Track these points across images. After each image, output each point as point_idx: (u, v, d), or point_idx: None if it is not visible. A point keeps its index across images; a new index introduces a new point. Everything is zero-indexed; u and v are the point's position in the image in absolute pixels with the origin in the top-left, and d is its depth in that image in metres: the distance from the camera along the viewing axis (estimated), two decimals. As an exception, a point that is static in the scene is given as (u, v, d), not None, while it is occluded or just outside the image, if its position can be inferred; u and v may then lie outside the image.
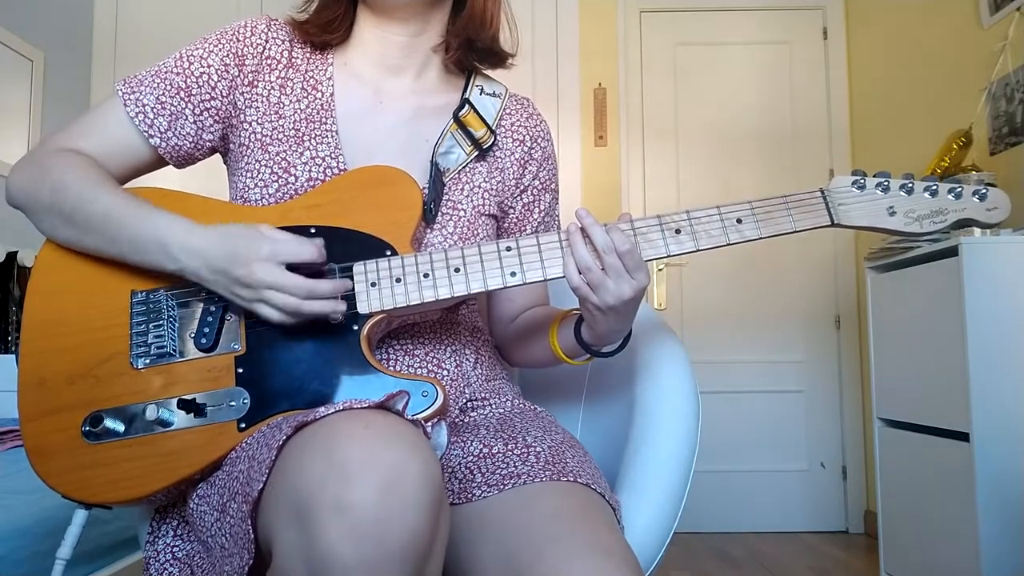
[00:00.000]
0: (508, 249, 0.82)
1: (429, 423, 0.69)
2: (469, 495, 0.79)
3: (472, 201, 0.93)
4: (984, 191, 0.83)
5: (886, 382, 2.23)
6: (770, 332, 3.19)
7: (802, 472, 3.14)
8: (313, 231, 0.83)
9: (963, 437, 1.81)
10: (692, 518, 2.98)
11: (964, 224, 0.85)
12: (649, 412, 0.97)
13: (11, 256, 2.53)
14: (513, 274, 0.81)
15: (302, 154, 0.88)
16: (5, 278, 2.50)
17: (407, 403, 0.69)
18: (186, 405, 0.77)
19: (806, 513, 3.12)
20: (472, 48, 0.97)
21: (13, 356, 0.88)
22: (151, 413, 0.76)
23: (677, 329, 2.86)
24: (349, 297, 0.80)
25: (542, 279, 0.82)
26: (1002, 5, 2.24)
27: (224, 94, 0.90)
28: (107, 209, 0.81)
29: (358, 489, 0.55)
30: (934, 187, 0.84)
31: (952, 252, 1.85)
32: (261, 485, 0.62)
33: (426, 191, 0.89)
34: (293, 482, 0.59)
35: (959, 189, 0.84)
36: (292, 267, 0.77)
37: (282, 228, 0.83)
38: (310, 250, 0.77)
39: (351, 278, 0.81)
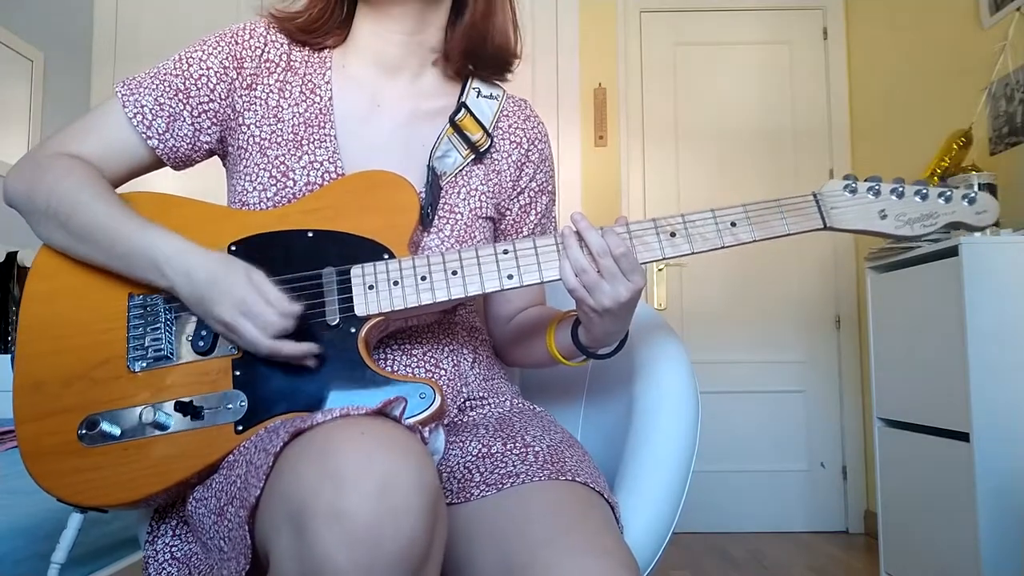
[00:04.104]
0: (505, 252, 0.82)
1: (426, 428, 0.69)
2: (467, 495, 0.79)
3: (469, 204, 0.93)
4: (973, 195, 0.85)
5: (886, 382, 2.23)
6: (770, 332, 3.19)
7: (802, 472, 3.14)
8: (311, 234, 0.83)
9: (963, 437, 1.81)
10: (692, 518, 2.98)
11: (954, 227, 0.86)
12: (648, 412, 0.97)
13: (11, 256, 2.53)
14: (510, 277, 0.82)
15: (300, 158, 0.88)
16: (5, 278, 2.50)
17: (404, 408, 0.69)
18: (183, 408, 0.77)
19: (806, 513, 3.12)
20: (478, 58, 0.97)
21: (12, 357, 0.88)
22: (148, 416, 0.76)
23: (677, 329, 2.86)
24: (346, 300, 0.81)
25: (539, 282, 0.82)
26: (1002, 5, 2.24)
27: (223, 96, 0.90)
28: (101, 221, 0.81)
29: (353, 496, 0.55)
30: (924, 191, 0.85)
31: (952, 252, 1.85)
32: (258, 491, 0.62)
33: (423, 195, 0.89)
34: (288, 489, 0.59)
35: (948, 193, 0.85)
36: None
37: (280, 232, 0.83)
38: (281, 322, 0.76)
39: (347, 282, 0.81)
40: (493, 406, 0.93)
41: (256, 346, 0.76)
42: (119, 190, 0.88)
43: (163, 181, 1.45)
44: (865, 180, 0.85)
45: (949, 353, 1.86)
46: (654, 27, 3.30)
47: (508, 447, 0.83)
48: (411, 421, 0.72)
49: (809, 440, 3.15)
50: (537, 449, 0.83)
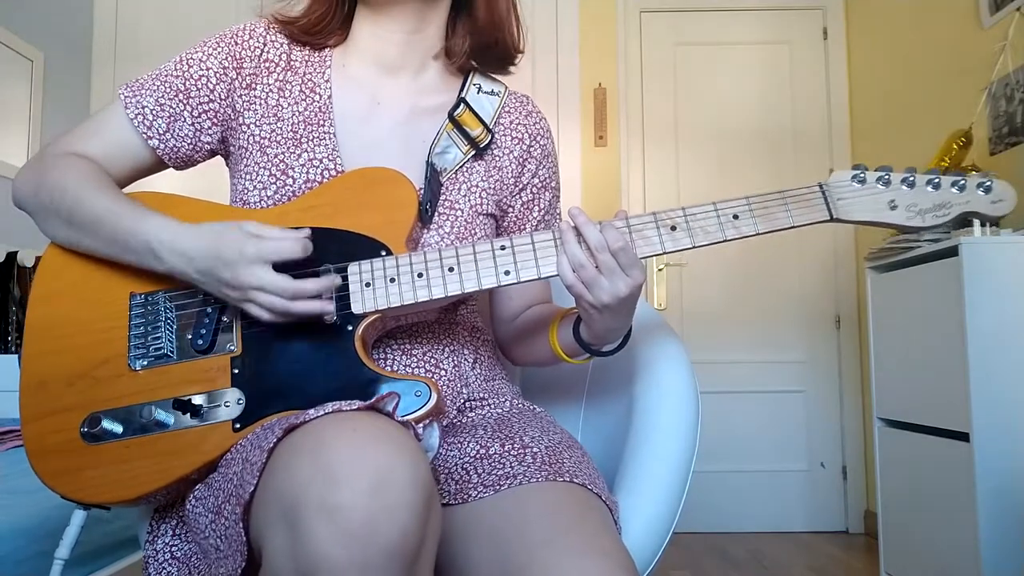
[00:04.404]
0: (502, 248, 0.82)
1: (420, 424, 0.69)
2: (465, 496, 0.79)
3: (469, 201, 0.93)
4: (989, 183, 0.82)
5: (886, 382, 2.23)
6: (770, 332, 3.18)
7: (802, 472, 3.14)
8: (309, 232, 0.83)
9: (963, 437, 1.81)
10: (692, 518, 2.98)
11: (968, 217, 0.83)
12: (648, 412, 0.97)
13: (11, 256, 2.53)
14: (507, 273, 0.81)
15: (300, 156, 0.88)
16: (5, 278, 2.50)
17: (397, 404, 0.69)
18: (183, 406, 0.77)
19: (806, 513, 3.12)
20: (484, 54, 0.97)
21: (14, 356, 0.89)
22: (148, 414, 0.76)
23: (677, 329, 2.86)
24: (343, 297, 0.81)
25: (536, 277, 0.82)
26: (1002, 5, 2.24)
27: (223, 97, 0.91)
28: (102, 211, 0.82)
29: (345, 491, 0.55)
30: (937, 180, 0.82)
31: (952, 252, 1.85)
32: (252, 488, 0.63)
33: (422, 191, 0.89)
34: (281, 485, 0.59)
35: (963, 182, 0.82)
36: (282, 266, 0.76)
37: None
38: (293, 246, 0.76)
39: (345, 278, 0.81)
40: (493, 407, 0.92)
41: (281, 288, 0.74)
42: (124, 191, 0.89)
43: (166, 181, 1.45)
44: (875, 170, 0.83)
45: (949, 353, 1.86)
46: (654, 27, 3.31)
47: (506, 448, 0.83)
48: (406, 418, 0.72)
49: (809, 440, 3.15)
50: (535, 450, 0.82)
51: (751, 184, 3.16)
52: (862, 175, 0.83)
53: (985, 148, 2.27)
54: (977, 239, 1.82)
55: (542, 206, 1.02)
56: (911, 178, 0.83)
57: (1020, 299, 1.79)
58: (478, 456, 0.83)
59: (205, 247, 0.77)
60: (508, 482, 0.79)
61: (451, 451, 0.85)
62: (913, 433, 2.06)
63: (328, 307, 0.78)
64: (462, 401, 0.91)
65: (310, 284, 0.77)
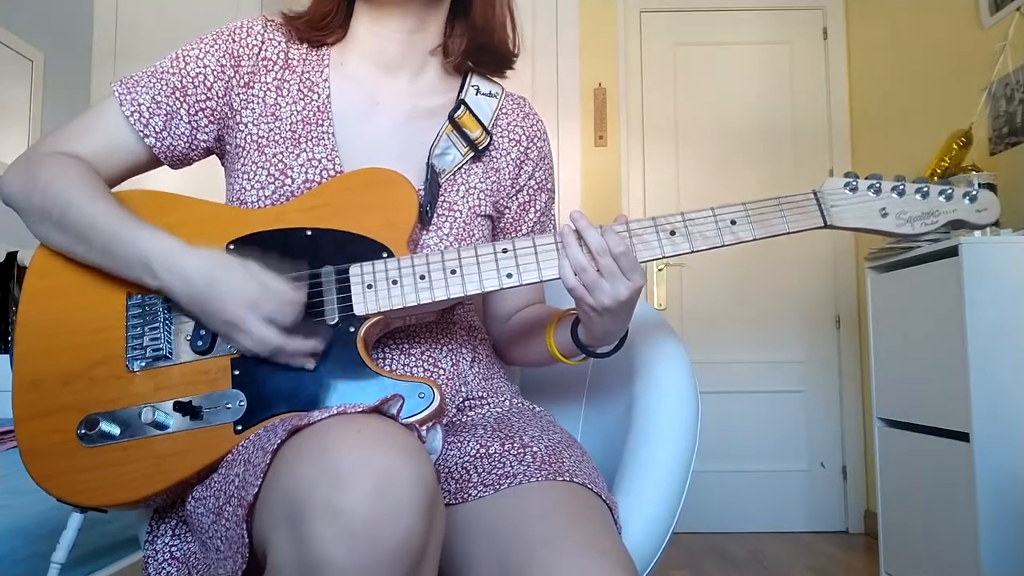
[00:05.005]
0: (504, 251, 0.82)
1: (424, 427, 0.69)
2: (465, 495, 0.79)
3: (468, 202, 0.93)
4: (974, 193, 0.85)
5: (886, 382, 2.23)
6: (770, 332, 3.19)
7: (802, 472, 3.14)
8: (309, 233, 0.83)
9: (963, 437, 1.81)
10: (692, 518, 2.98)
11: (955, 225, 0.86)
12: (648, 412, 0.97)
13: (11, 256, 2.53)
14: (509, 276, 0.82)
15: (298, 156, 0.88)
16: (5, 278, 2.50)
17: (402, 406, 0.69)
18: (182, 408, 0.77)
19: (806, 513, 3.12)
20: (479, 55, 0.97)
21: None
22: (147, 416, 0.75)
23: (677, 329, 2.86)
24: (345, 299, 0.80)
25: (538, 280, 0.82)
26: (1002, 5, 2.24)
27: (220, 95, 0.90)
28: (94, 220, 0.80)
29: (350, 493, 0.55)
30: (925, 189, 0.85)
31: (952, 252, 1.85)
32: (256, 489, 0.62)
33: (422, 193, 0.89)
34: (285, 487, 0.59)
35: (950, 191, 0.85)
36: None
37: (278, 230, 0.83)
38: (292, 311, 0.76)
39: (347, 280, 0.81)
40: (492, 406, 0.93)
41: (265, 342, 0.76)
42: (117, 189, 0.88)
43: (162, 179, 1.45)
44: (866, 178, 0.85)
45: (949, 353, 1.86)
46: (654, 27, 3.31)
47: (506, 447, 0.83)
48: (410, 420, 0.72)
49: (809, 440, 3.15)
50: (535, 450, 0.82)
51: (751, 184, 3.17)
52: (854, 183, 0.85)
53: (985, 148, 2.27)
54: (977, 239, 1.82)
55: (538, 207, 1.02)
56: (901, 186, 0.85)
57: (1020, 299, 1.79)
58: (478, 455, 0.83)
59: (203, 274, 0.77)
60: (508, 481, 0.79)
61: (451, 450, 0.85)
62: (913, 433, 2.06)
63: (309, 364, 0.78)
64: (461, 400, 0.91)
65: (292, 344, 0.77)
